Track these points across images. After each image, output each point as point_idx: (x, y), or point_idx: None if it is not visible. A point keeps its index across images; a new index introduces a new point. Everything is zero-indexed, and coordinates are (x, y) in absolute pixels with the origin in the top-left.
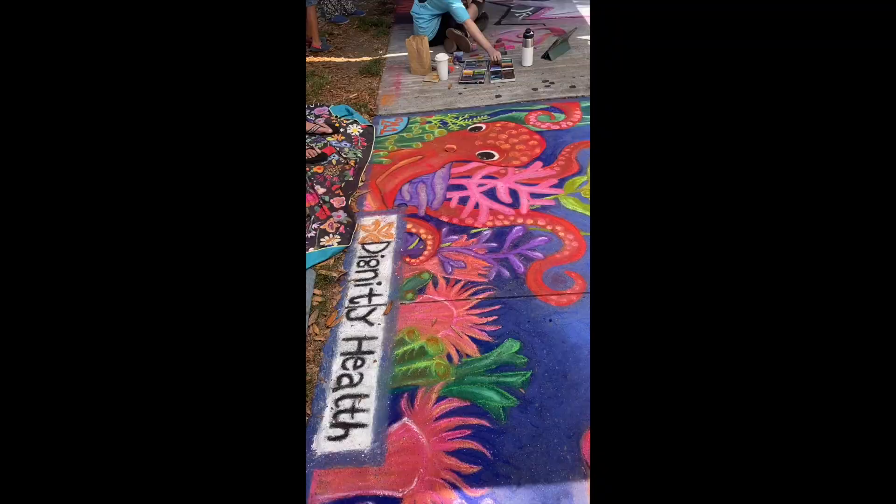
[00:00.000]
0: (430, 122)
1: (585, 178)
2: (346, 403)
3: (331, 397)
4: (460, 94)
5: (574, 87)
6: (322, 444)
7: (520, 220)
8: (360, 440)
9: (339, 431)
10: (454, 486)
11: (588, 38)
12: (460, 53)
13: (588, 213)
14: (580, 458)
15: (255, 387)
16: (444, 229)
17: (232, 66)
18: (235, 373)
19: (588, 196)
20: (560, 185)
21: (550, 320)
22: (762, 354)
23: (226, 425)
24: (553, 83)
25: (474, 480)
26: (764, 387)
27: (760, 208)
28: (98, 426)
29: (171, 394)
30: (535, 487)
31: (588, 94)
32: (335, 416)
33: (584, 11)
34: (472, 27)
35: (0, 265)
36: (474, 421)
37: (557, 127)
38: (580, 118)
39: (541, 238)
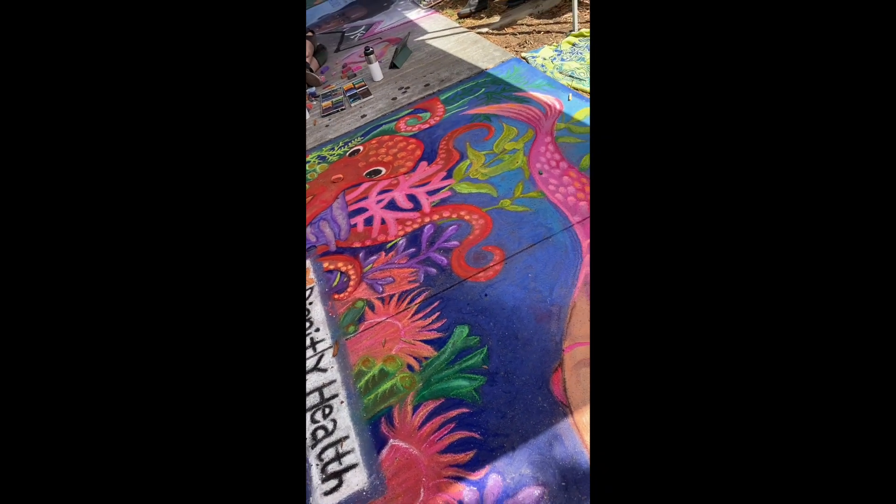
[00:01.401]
0: (309, 162)
1: (468, 160)
2: (330, 453)
3: (312, 454)
4: (327, 126)
5: (428, 84)
6: (321, 501)
7: (427, 220)
8: (357, 480)
9: (333, 482)
10: (458, 479)
11: (424, 37)
12: (313, 89)
13: (482, 190)
14: (555, 401)
15: (254, 393)
16: (360, 254)
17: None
18: (233, 383)
19: (475, 176)
20: (449, 175)
21: (486, 295)
22: (763, 354)
23: (225, 431)
24: (408, 87)
25: (474, 464)
26: (763, 386)
27: (760, 207)
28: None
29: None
30: (528, 444)
31: (442, 86)
32: (323, 469)
33: (412, 16)
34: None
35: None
36: (454, 413)
37: (427, 125)
38: (444, 110)
39: (451, 228)
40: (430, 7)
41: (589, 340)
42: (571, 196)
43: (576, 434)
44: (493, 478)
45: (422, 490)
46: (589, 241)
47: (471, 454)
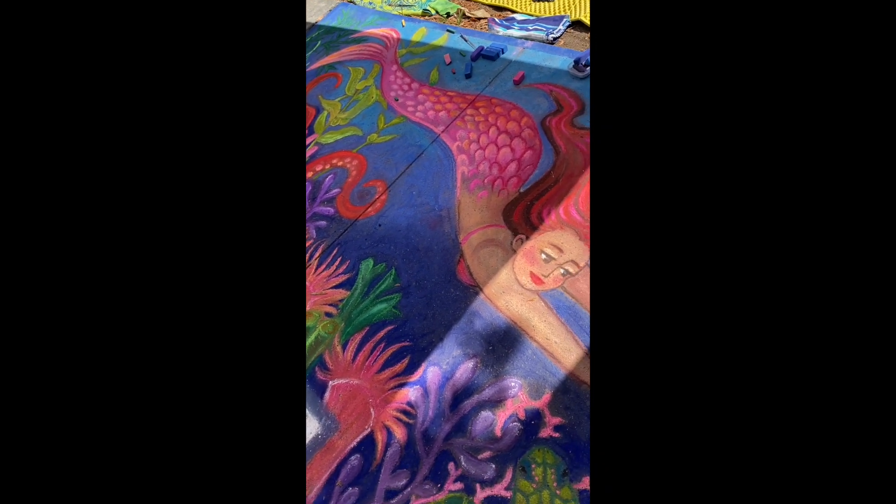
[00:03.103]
0: None
1: (325, 112)
2: None
3: None
4: None
5: None
6: None
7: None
8: (310, 429)
9: None
10: (401, 386)
11: None
12: None
13: (347, 133)
14: (464, 286)
15: (254, 386)
16: None
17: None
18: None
19: (336, 123)
20: (311, 131)
21: (380, 225)
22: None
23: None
24: None
25: (411, 368)
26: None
27: (760, 206)
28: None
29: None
30: (453, 330)
31: None
32: None
33: None
34: None
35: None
36: (381, 334)
37: None
38: None
39: (328, 178)
40: None
41: (480, 226)
42: (430, 111)
43: (489, 304)
44: (432, 370)
45: (371, 410)
46: (457, 144)
47: (405, 361)
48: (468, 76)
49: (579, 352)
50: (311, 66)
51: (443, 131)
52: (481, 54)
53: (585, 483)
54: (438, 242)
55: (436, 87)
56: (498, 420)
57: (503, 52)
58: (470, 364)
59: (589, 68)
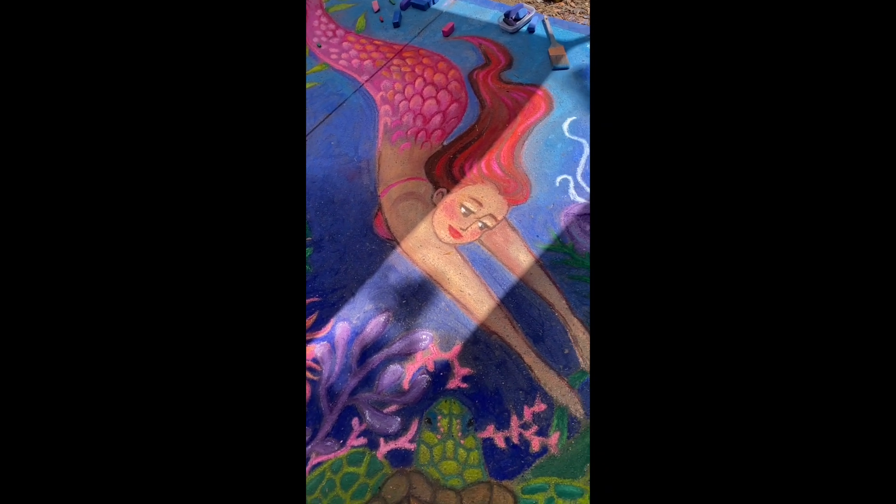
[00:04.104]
0: None
1: None
2: None
3: None
4: None
5: None
6: None
7: None
8: None
9: None
10: (308, 342)
11: None
12: None
13: None
14: (381, 240)
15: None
16: None
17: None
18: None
19: None
20: None
21: None
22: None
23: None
24: None
25: (319, 323)
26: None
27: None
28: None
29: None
30: (366, 285)
31: None
32: None
33: None
34: None
35: None
36: None
37: None
38: None
39: None
40: None
41: (401, 179)
42: (355, 59)
43: (406, 258)
44: (340, 326)
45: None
46: (381, 94)
47: (313, 317)
48: (396, 25)
49: (491, 303)
50: None
51: (367, 81)
52: (411, 3)
53: (489, 431)
54: (356, 195)
55: (362, 34)
56: (406, 373)
57: (433, 3)
58: (381, 318)
59: (519, 22)
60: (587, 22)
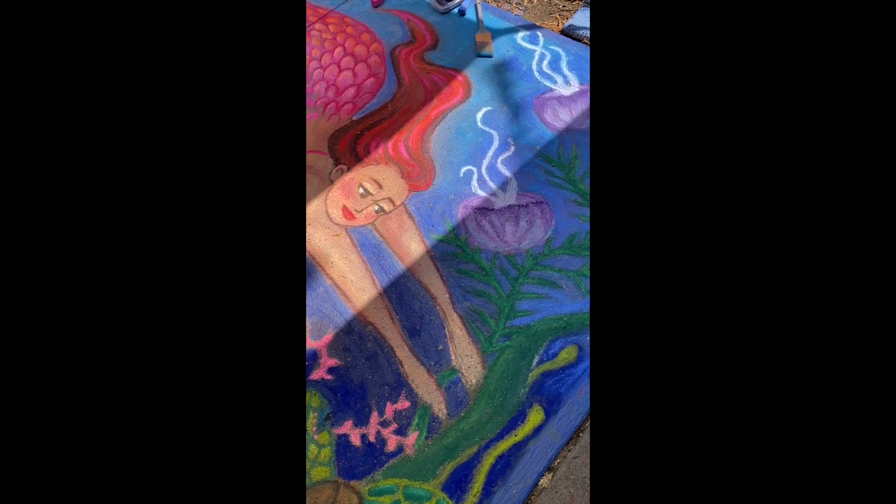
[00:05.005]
0: None
1: None
2: None
3: None
4: None
5: None
6: None
7: None
8: None
9: None
10: None
11: None
12: None
13: None
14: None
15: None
16: None
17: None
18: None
19: None
20: None
21: None
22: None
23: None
24: None
25: None
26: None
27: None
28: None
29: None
30: None
31: None
32: None
33: None
34: None
35: None
36: None
37: None
38: None
39: None
40: None
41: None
42: None
43: None
44: None
45: None
46: None
47: None
48: None
49: (373, 291)
50: None
51: None
52: None
53: (347, 427)
54: None
55: None
56: None
57: None
58: None
59: (451, 3)
60: (521, 13)
